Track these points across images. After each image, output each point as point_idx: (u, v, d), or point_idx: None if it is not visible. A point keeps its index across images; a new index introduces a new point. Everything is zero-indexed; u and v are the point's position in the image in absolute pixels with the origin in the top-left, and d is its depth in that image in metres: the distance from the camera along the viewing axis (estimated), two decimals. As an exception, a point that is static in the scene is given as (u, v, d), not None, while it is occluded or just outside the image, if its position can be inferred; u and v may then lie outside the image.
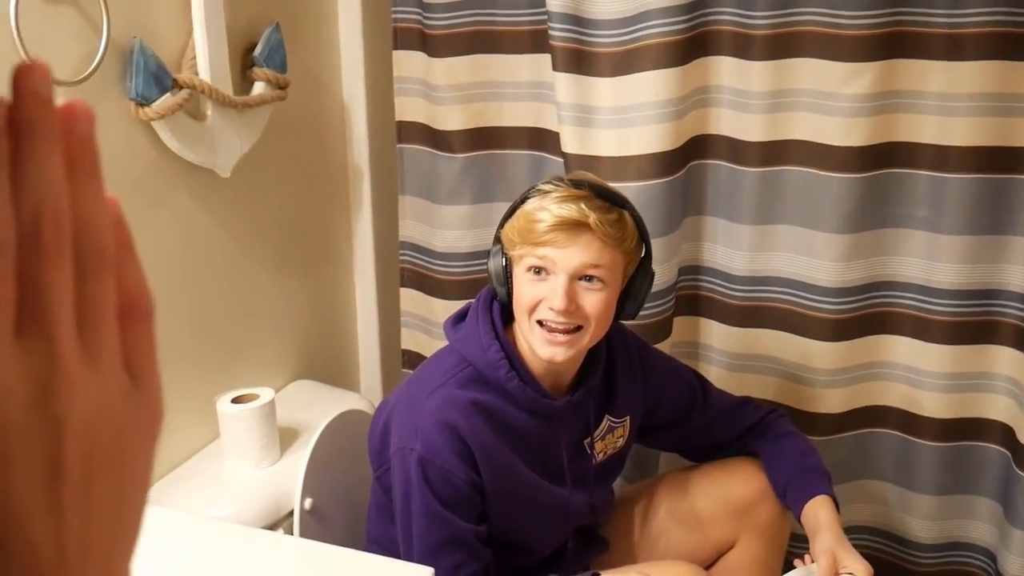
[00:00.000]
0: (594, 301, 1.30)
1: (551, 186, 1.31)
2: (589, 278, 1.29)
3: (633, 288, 1.38)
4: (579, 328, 1.32)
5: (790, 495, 1.51)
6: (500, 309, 1.41)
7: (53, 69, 1.14)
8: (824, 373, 1.78)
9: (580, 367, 1.43)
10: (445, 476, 1.31)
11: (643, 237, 1.37)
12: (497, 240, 1.39)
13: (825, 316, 1.74)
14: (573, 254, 1.28)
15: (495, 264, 1.38)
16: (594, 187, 1.31)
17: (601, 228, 1.27)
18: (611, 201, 1.31)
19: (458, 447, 1.32)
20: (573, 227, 1.27)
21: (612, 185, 1.70)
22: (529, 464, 1.41)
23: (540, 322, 1.32)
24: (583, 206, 1.27)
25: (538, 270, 1.30)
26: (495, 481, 1.36)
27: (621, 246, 1.31)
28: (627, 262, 1.35)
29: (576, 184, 1.31)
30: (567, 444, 1.44)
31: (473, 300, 1.45)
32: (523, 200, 1.34)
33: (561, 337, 1.31)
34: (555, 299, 1.28)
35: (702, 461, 1.69)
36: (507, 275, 1.36)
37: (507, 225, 1.35)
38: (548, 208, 1.28)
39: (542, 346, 1.32)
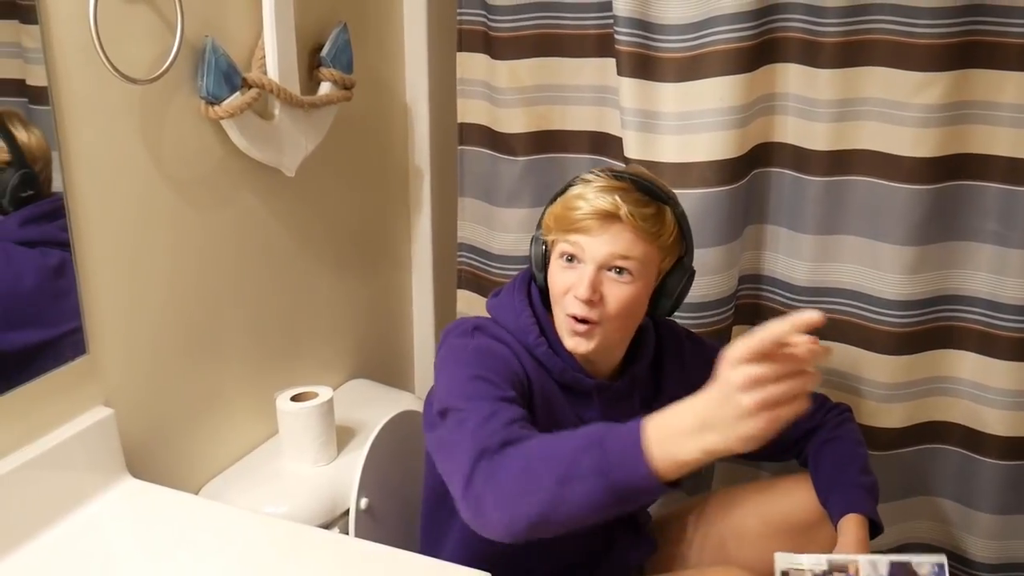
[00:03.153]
0: (620, 294, 1.30)
1: (594, 175, 1.33)
2: (619, 270, 1.29)
3: (668, 285, 1.38)
4: (597, 322, 1.31)
5: (830, 511, 1.48)
6: (540, 293, 1.42)
7: (129, 68, 1.19)
8: (886, 387, 1.75)
9: (624, 357, 1.42)
10: (496, 351, 1.30)
11: (684, 234, 1.37)
12: (540, 226, 1.40)
13: (888, 329, 1.71)
14: (602, 243, 1.28)
15: (536, 249, 1.40)
16: (636, 180, 1.32)
17: (632, 220, 1.27)
18: (652, 196, 1.31)
19: (514, 353, 1.32)
20: (605, 217, 1.28)
21: (673, 188, 1.70)
22: None
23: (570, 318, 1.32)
24: (617, 197, 1.28)
25: (570, 257, 1.31)
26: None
27: (656, 240, 1.31)
28: (662, 258, 1.34)
29: (618, 176, 1.32)
30: None
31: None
32: (567, 187, 1.36)
33: (581, 327, 1.31)
34: (580, 287, 1.29)
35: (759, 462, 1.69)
36: (546, 261, 1.38)
37: (548, 211, 1.37)
38: (586, 196, 1.30)
39: (566, 336, 1.33)
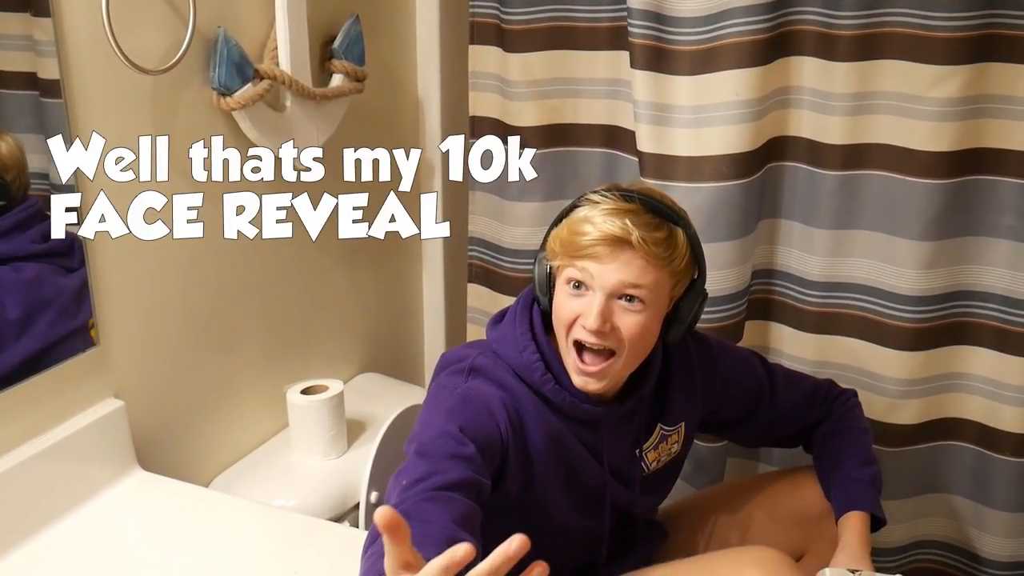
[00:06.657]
0: (631, 323, 1.24)
1: (600, 196, 1.26)
2: (629, 298, 1.24)
3: (681, 311, 1.32)
4: (612, 354, 1.26)
5: (832, 507, 1.47)
6: (542, 313, 1.35)
7: (141, 58, 1.17)
8: (900, 383, 1.74)
9: (631, 376, 1.36)
10: (483, 401, 1.25)
11: (696, 258, 1.30)
12: (543, 247, 1.34)
13: (903, 325, 1.70)
14: (612, 271, 1.22)
15: (540, 271, 1.33)
16: (645, 200, 1.25)
17: (644, 246, 1.21)
18: (664, 217, 1.25)
19: (504, 399, 1.27)
20: (615, 243, 1.22)
21: (686, 181, 1.69)
22: (564, 477, 1.35)
23: (576, 345, 1.27)
24: (628, 221, 1.21)
25: (577, 284, 1.25)
26: (527, 464, 1.30)
27: (668, 266, 1.25)
28: (674, 284, 1.28)
29: (627, 197, 1.25)
30: (611, 454, 1.39)
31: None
32: (572, 208, 1.29)
33: (592, 368, 1.26)
34: (589, 317, 1.23)
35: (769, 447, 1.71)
36: (550, 284, 1.32)
37: (552, 233, 1.30)
38: (593, 221, 1.23)
39: (574, 375, 1.28)
